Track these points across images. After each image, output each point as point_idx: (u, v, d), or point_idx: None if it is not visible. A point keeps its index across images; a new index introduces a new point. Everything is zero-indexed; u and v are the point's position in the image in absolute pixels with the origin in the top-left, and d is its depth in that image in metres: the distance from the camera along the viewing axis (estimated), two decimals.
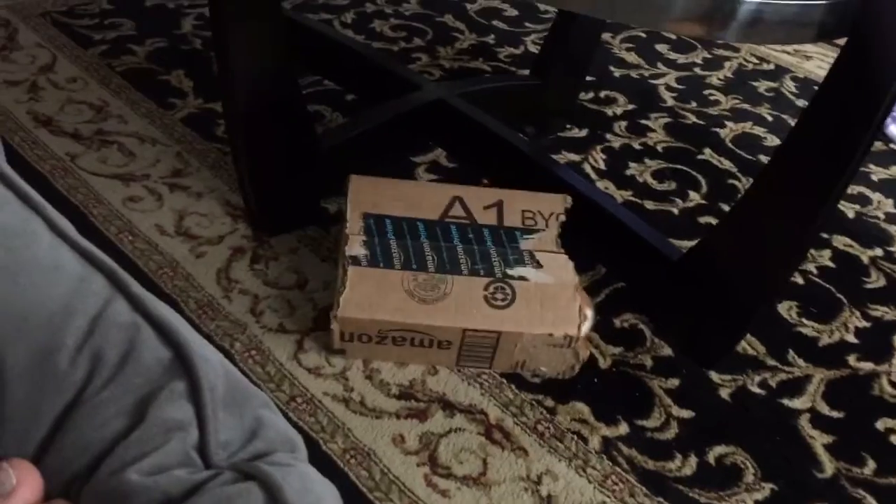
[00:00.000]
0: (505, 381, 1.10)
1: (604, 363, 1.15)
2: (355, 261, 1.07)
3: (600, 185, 1.51)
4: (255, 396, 0.43)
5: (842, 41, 0.92)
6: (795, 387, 1.16)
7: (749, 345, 1.21)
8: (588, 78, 1.78)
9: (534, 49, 1.95)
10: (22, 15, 1.78)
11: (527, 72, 1.79)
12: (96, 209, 1.27)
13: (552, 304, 1.05)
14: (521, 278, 1.07)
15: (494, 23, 2.04)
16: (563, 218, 1.17)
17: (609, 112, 1.74)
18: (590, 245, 1.34)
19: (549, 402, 1.08)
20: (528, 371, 1.11)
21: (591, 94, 1.78)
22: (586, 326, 1.05)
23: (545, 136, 1.62)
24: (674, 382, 1.14)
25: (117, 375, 0.39)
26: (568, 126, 1.66)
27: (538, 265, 1.09)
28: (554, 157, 1.55)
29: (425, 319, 1.03)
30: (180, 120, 1.51)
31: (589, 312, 1.06)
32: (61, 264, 0.42)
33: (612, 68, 1.91)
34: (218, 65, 1.26)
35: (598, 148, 1.61)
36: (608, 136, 1.65)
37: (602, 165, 1.56)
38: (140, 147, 1.43)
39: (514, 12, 2.12)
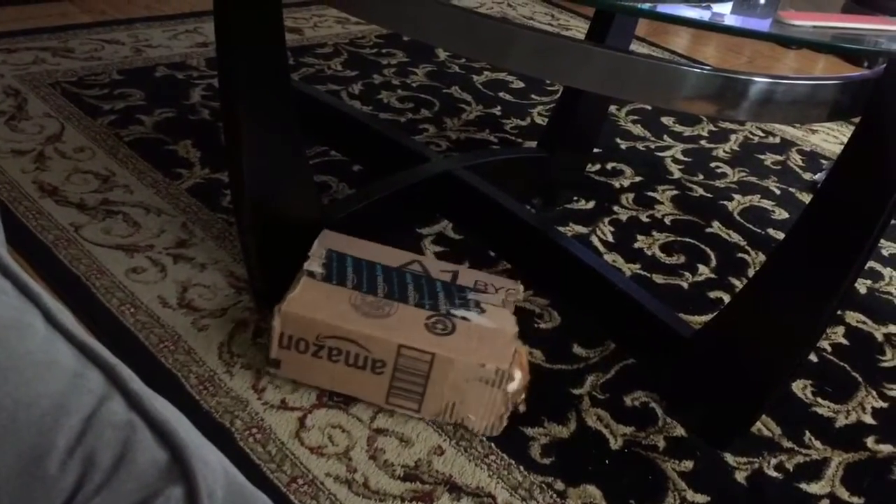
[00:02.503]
0: (513, 462, 1.06)
1: (615, 443, 1.12)
2: (311, 274, 1.12)
3: (608, 257, 1.49)
4: (257, 499, 0.40)
5: (854, 119, 0.91)
6: (813, 470, 1.12)
7: (764, 425, 1.18)
8: (595, 150, 1.78)
9: (540, 121, 1.96)
10: (32, 84, 1.80)
11: (533, 144, 1.80)
12: (99, 280, 1.25)
13: (489, 342, 1.08)
14: (464, 318, 1.11)
15: (501, 94, 2.06)
16: (516, 297, 1.19)
17: (616, 184, 1.73)
18: (598, 320, 1.32)
19: (560, 485, 1.04)
20: (458, 419, 1.09)
21: (597, 166, 1.78)
22: (513, 385, 1.05)
23: (552, 208, 1.61)
24: (688, 465, 1.10)
25: (110, 481, 0.37)
26: (575, 198, 1.65)
27: (482, 311, 1.13)
28: (561, 229, 1.53)
29: (364, 329, 1.05)
30: (186, 190, 1.51)
31: (518, 374, 1.06)
32: (56, 359, 0.40)
33: (618, 140, 1.91)
34: (225, 135, 1.26)
35: (606, 220, 1.60)
36: (615, 208, 1.64)
37: (610, 238, 1.55)
38: (145, 217, 1.42)
39: (521, 84, 2.14)
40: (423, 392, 1.07)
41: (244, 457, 1.02)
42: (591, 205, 1.64)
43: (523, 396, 1.11)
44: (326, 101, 1.72)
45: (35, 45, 1.99)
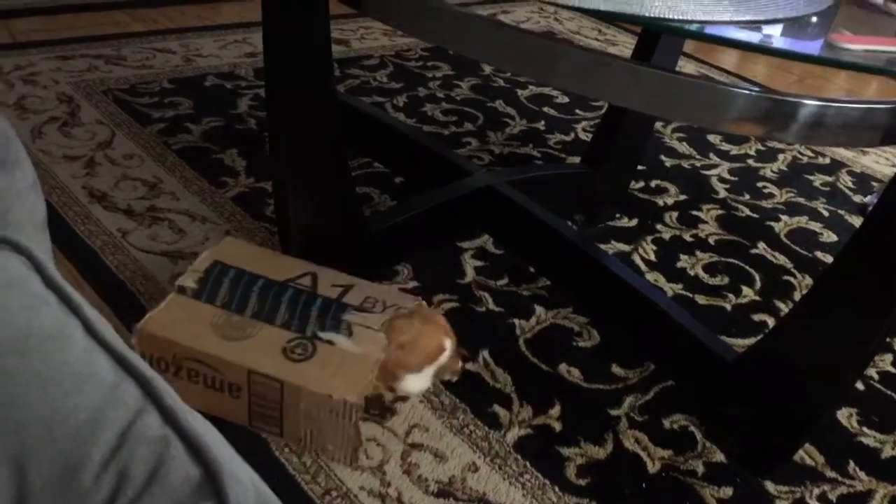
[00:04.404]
0: (548, 482, 1.05)
1: (652, 467, 1.10)
2: (181, 290, 1.10)
3: (650, 276, 1.47)
4: None
5: None
6: (857, 502, 1.09)
7: (807, 454, 1.15)
8: (639, 167, 1.76)
9: (584, 136, 1.94)
10: (85, 91, 1.84)
11: (577, 159, 1.79)
12: (143, 287, 1.27)
13: (346, 371, 1.03)
14: (328, 342, 1.06)
15: (545, 109, 2.05)
16: (403, 311, 1.13)
17: (660, 202, 1.71)
18: (638, 340, 1.30)
19: None
20: (316, 447, 1.05)
21: (641, 184, 1.76)
22: (406, 385, 1.07)
23: (594, 225, 1.60)
24: (727, 492, 1.08)
25: (143, 496, 0.37)
26: (618, 215, 1.63)
27: (350, 334, 1.07)
28: (603, 246, 1.52)
29: (218, 352, 1.02)
30: (231, 198, 1.52)
31: (408, 377, 1.06)
32: (94, 371, 0.41)
33: (663, 158, 1.89)
34: (270, 146, 1.28)
35: (649, 238, 1.58)
36: (658, 226, 1.63)
37: (652, 257, 1.53)
38: (190, 225, 1.44)
39: (565, 99, 2.13)
40: (281, 418, 1.04)
41: (279, 467, 1.02)
42: (633, 222, 1.62)
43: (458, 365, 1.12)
44: (370, 112, 1.73)
45: (89, 52, 2.04)
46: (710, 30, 0.75)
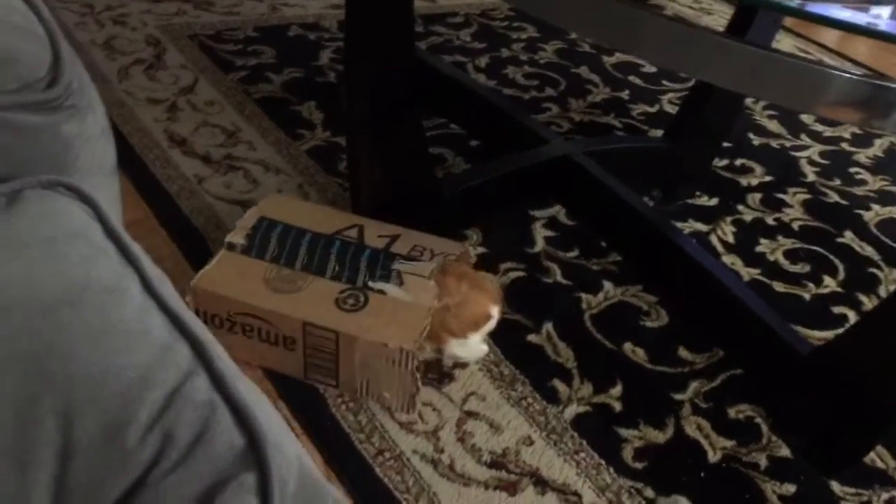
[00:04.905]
0: (603, 462, 1.03)
1: (713, 456, 1.07)
2: (231, 247, 1.10)
3: (726, 259, 1.42)
4: (327, 495, 0.39)
5: None
6: None
7: (878, 456, 1.10)
8: (724, 144, 1.70)
9: (669, 108, 1.88)
10: (171, 35, 1.86)
11: (659, 132, 1.73)
12: (214, 234, 1.29)
13: (400, 319, 1.03)
14: (380, 291, 1.07)
15: (630, 78, 1.99)
16: (451, 258, 1.13)
17: (743, 182, 1.65)
18: (708, 324, 1.26)
19: (649, 493, 1.01)
20: (373, 397, 1.06)
21: (725, 161, 1.70)
22: (452, 349, 1.07)
23: (672, 202, 1.55)
24: (789, 488, 1.04)
25: (186, 460, 0.37)
26: (698, 193, 1.58)
27: (401, 283, 1.08)
28: (679, 224, 1.47)
29: (271, 306, 1.02)
30: (306, 151, 1.53)
31: (452, 342, 1.06)
32: (148, 329, 0.41)
33: (751, 135, 1.82)
34: (346, 99, 1.27)
35: (728, 219, 1.52)
36: (740, 207, 1.57)
37: (730, 239, 1.48)
38: (264, 175, 1.45)
39: (652, 69, 2.07)
40: (337, 369, 1.05)
41: (335, 423, 1.03)
42: (713, 201, 1.57)
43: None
44: (449, 72, 1.71)
45: None
46: (811, 7, 0.70)
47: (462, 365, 1.13)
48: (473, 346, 1.09)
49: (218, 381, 0.40)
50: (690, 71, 0.87)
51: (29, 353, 0.38)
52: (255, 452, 0.38)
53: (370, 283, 1.07)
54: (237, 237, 1.12)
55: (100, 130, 0.53)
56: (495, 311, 1.08)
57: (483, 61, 1.97)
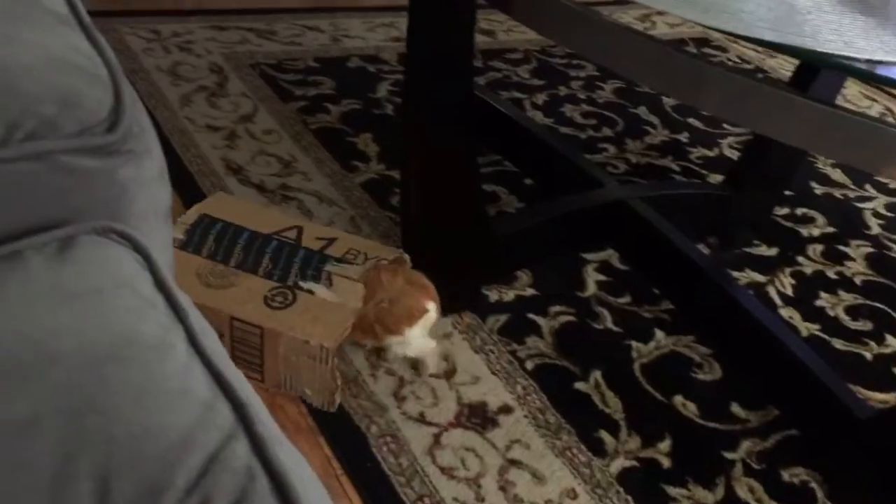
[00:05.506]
0: None
1: None
2: None
3: (784, 312, 1.38)
4: None
5: None
6: None
7: None
8: (785, 192, 1.66)
9: (730, 153, 1.85)
10: (234, 64, 1.89)
11: (718, 177, 1.70)
12: None
13: (324, 318, 1.06)
14: (309, 291, 1.10)
15: (690, 120, 1.96)
16: (383, 262, 1.16)
17: (804, 232, 1.60)
18: (763, 381, 1.22)
19: None
20: (295, 391, 1.08)
21: (786, 210, 1.66)
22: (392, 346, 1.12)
23: (729, 250, 1.51)
24: None
25: None
26: (756, 242, 1.54)
27: (330, 284, 1.11)
28: (736, 274, 1.44)
29: (199, 299, 1.04)
30: (360, 184, 1.53)
31: (389, 338, 1.10)
32: (190, 388, 0.40)
33: (813, 184, 1.77)
34: (402, 133, 1.27)
35: (787, 271, 1.48)
36: (800, 258, 1.52)
37: (789, 291, 1.43)
38: (318, 206, 1.45)
39: None
40: (262, 363, 1.07)
41: (375, 465, 1.01)
42: (772, 251, 1.53)
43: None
44: (506, 110, 1.70)
45: (243, 24, 2.09)
46: (882, 70, 0.68)
47: (419, 365, 1.16)
48: (416, 342, 1.12)
49: (258, 446, 0.39)
50: (753, 125, 0.85)
51: (71, 408, 0.37)
52: None
53: (300, 283, 1.11)
54: (176, 232, 1.15)
55: (156, 174, 0.54)
56: (431, 306, 1.12)
57: (541, 98, 1.96)
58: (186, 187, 1.42)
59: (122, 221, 0.49)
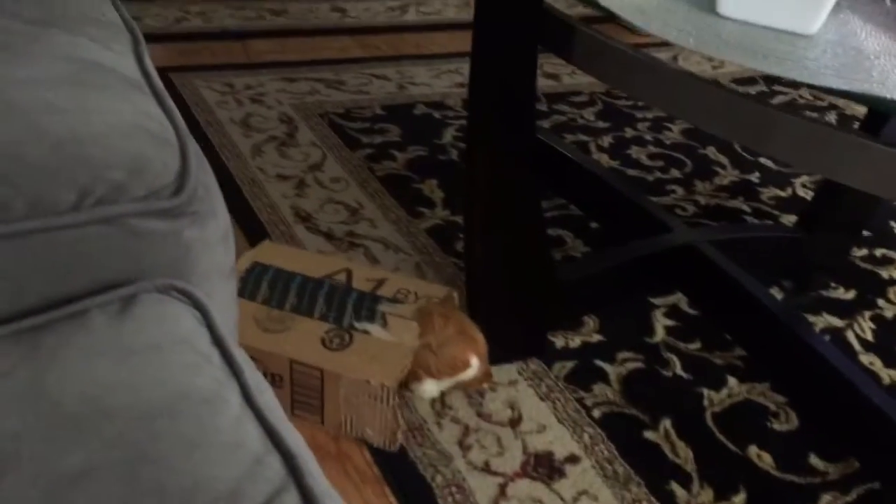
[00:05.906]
0: None
1: None
2: None
3: (864, 359, 1.33)
4: None
5: None
6: None
7: None
8: (864, 232, 1.60)
9: (802, 193, 1.80)
10: (304, 113, 1.94)
11: (791, 217, 1.66)
12: None
13: (382, 357, 1.08)
14: (364, 331, 1.12)
15: (761, 160, 1.92)
16: (434, 301, 1.18)
17: (884, 274, 1.55)
18: (842, 431, 1.17)
19: None
20: (356, 432, 1.08)
21: (864, 251, 1.60)
22: (423, 388, 1.11)
23: (804, 294, 1.46)
24: None
25: None
26: (833, 285, 1.49)
27: (384, 324, 1.13)
28: (812, 318, 1.39)
29: (259, 344, 1.07)
30: (425, 230, 1.54)
31: (427, 381, 1.11)
32: (242, 442, 0.41)
33: (893, 224, 1.71)
34: (465, 179, 1.28)
35: (867, 315, 1.43)
36: (880, 302, 1.47)
37: (869, 336, 1.38)
38: (384, 253, 1.47)
39: None
40: (322, 405, 1.07)
41: (428, 491, 1.01)
42: (850, 295, 1.48)
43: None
44: (571, 154, 1.70)
45: (312, 75, 2.15)
46: None
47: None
48: (428, 388, 1.13)
49: (308, 499, 0.39)
50: (824, 171, 0.83)
51: (123, 460, 0.38)
52: None
53: (355, 324, 1.13)
54: None
55: (220, 235, 0.55)
56: (475, 361, 1.12)
57: (606, 141, 1.95)
58: (256, 236, 1.46)
59: (186, 280, 0.51)
